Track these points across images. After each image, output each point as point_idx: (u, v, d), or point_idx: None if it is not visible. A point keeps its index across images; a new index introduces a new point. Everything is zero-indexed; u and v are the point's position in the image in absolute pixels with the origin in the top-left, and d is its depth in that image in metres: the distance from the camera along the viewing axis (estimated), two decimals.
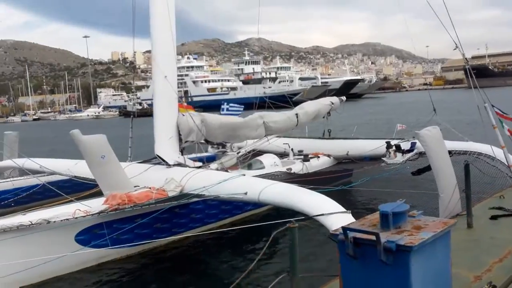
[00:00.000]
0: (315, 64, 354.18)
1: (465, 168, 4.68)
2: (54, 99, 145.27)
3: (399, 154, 12.21)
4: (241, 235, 10.07)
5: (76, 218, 8.28)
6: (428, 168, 11.19)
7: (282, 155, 14.95)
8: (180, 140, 11.38)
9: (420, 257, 2.55)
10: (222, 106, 17.34)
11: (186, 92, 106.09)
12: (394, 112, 46.66)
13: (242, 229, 8.80)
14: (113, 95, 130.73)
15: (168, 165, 10.95)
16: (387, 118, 36.22)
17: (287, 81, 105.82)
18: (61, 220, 8.16)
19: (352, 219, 6.15)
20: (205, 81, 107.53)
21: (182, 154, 11.42)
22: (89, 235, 8.98)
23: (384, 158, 12.49)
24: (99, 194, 9.97)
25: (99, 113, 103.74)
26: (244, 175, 9.77)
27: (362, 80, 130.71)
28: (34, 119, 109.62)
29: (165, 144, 11.04)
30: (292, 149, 14.50)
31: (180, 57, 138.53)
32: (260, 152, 14.08)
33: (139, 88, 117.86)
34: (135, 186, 10.33)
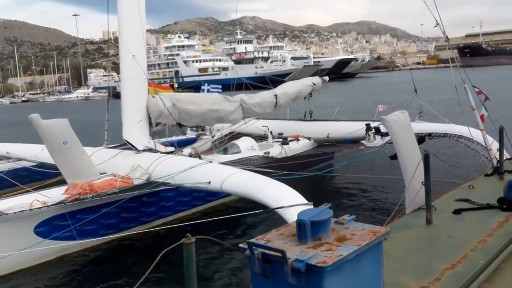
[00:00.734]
0: (309, 43, 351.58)
1: (424, 158, 4.24)
2: (44, 80, 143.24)
3: (378, 137, 11.78)
4: (215, 223, 9.70)
5: (31, 210, 7.83)
6: None
7: (262, 137, 14.51)
8: (150, 124, 10.87)
9: (336, 277, 2.10)
10: (202, 87, 16.82)
11: (176, 72, 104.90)
12: (384, 92, 46.17)
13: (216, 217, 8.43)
14: (104, 75, 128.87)
15: (138, 151, 10.47)
16: (376, 98, 35.76)
17: (280, 60, 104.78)
18: (15, 212, 7.70)
19: None
20: (197, 61, 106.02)
21: (152, 139, 10.93)
22: (50, 226, 8.55)
23: (363, 141, 12.07)
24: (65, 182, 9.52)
25: (88, 94, 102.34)
26: (211, 161, 9.29)
27: (355, 59, 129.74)
28: (23, 101, 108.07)
29: (134, 128, 10.54)
30: (271, 132, 14.04)
31: (172, 36, 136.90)
32: (239, 135, 13.63)
33: None
34: (102, 173, 9.89)
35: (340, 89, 65.91)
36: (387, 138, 11.83)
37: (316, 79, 15.01)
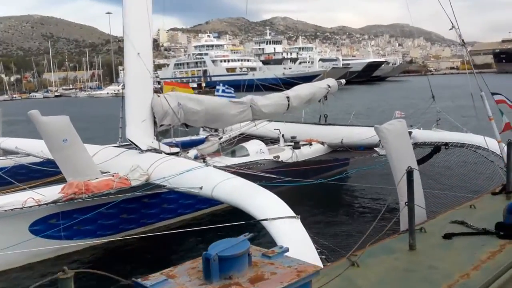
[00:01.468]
0: (340, 45, 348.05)
1: (407, 175, 3.77)
2: (77, 76, 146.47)
3: None
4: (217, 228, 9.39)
5: (22, 208, 7.69)
6: (420, 161, 10.27)
7: (274, 140, 14.14)
8: (155, 123, 10.65)
9: None
10: (217, 87, 16.52)
11: (205, 71, 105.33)
12: (412, 97, 44.92)
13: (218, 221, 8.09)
14: None
15: (141, 151, 10.26)
16: (403, 103, 34.77)
17: (308, 62, 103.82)
18: (6, 210, 7.58)
19: (300, 226, 5.36)
20: (225, 61, 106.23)
21: (157, 139, 10.71)
22: (45, 225, 8.42)
23: (376, 149, 11.53)
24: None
25: (118, 91, 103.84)
26: (209, 165, 8.96)
27: (386, 62, 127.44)
28: (56, 96, 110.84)
29: (138, 127, 10.33)
30: (283, 135, 13.65)
31: (202, 35, 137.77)
32: (250, 137, 13.29)
33: (160, 67, 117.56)
34: (105, 172, 9.73)
35: (367, 93, 64.82)
36: None
37: (332, 82, 14.52)
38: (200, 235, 8.53)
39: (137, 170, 9.06)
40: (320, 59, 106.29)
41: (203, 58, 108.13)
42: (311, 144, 13.51)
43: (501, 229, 4.17)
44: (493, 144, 8.46)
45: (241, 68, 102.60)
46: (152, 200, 9.92)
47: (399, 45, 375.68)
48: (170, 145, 11.01)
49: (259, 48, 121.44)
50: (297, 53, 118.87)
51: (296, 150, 12.84)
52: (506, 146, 6.11)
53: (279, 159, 12.17)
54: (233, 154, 12.00)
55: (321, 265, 4.98)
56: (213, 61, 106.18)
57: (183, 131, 14.04)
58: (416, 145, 11.37)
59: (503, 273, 3.21)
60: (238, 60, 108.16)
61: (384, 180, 12.29)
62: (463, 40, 8.34)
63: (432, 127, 11.63)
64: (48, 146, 9.03)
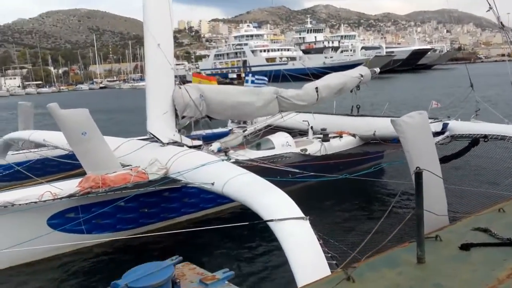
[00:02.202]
0: (385, 32, 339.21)
1: (416, 177, 3.26)
2: (121, 68, 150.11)
3: None
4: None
5: (36, 202, 7.66)
6: (457, 155, 9.55)
7: (303, 133, 13.67)
8: (176, 116, 10.43)
9: None
10: (247, 78, 16.19)
11: (244, 62, 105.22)
12: (458, 85, 42.92)
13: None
14: (176, 64, 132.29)
15: (162, 144, 10.09)
16: (443, 93, 33.14)
17: (350, 50, 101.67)
18: (20, 204, 7.56)
19: (308, 228, 4.95)
20: (264, 51, 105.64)
21: (179, 132, 10.49)
22: (63, 219, 8.39)
23: None
24: None
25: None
26: (228, 159, 8.61)
27: (433, 49, 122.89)
28: (101, 87, 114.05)
29: (159, 120, 10.14)
30: (311, 127, 13.13)
31: (242, 25, 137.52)
32: (277, 129, 12.88)
33: (200, 58, 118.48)
34: (127, 165, 9.63)
35: (410, 82, 62.63)
36: (436, 139, 10.57)
37: (364, 70, 13.83)
38: (219, 230, 8.26)
39: (155, 164, 8.87)
40: (363, 47, 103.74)
41: (242, 48, 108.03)
42: (341, 137, 12.94)
43: None
44: None
45: (280, 58, 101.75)
46: (173, 194, 9.73)
47: (447, 31, 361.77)
48: (192, 138, 10.78)
49: (300, 37, 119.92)
50: (339, 42, 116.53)
51: (325, 143, 12.31)
52: None
53: (307, 152, 11.71)
54: (258, 147, 11.63)
55: (328, 272, 4.56)
56: (253, 51, 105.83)
57: (213, 124, 13.84)
58: (452, 138, 10.65)
59: None
60: (278, 49, 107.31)
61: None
62: (501, 23, 7.57)
63: (471, 118, 10.82)
64: (68, 139, 9.00)
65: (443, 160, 9.88)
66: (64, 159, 11.36)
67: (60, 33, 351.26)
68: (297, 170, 9.49)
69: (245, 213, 8.43)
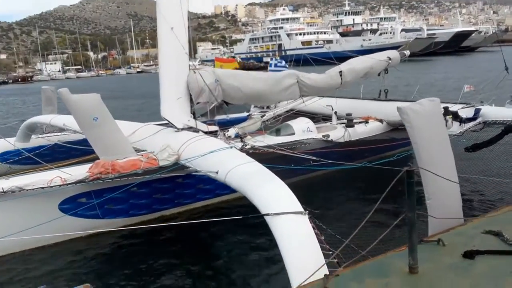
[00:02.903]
0: (428, 14, 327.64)
1: (406, 175, 2.77)
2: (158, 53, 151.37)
3: (456, 123, 9.84)
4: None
5: (43, 188, 7.59)
6: (488, 142, 8.86)
7: (327, 118, 13.14)
8: (191, 101, 10.16)
9: None
10: (270, 62, 15.76)
11: (280, 45, 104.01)
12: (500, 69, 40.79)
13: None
14: (212, 49, 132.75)
15: (177, 129, 9.86)
16: (483, 76, 31.41)
17: (389, 33, 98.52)
18: (28, 189, 7.51)
19: (306, 224, 4.55)
20: (300, 34, 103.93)
21: (194, 117, 10.22)
22: (75, 204, 8.33)
23: None
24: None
25: (195, 66, 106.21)
26: (232, 147, 8.22)
27: (477, 31, 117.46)
28: (138, 72, 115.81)
29: (174, 105, 9.90)
30: (335, 112, 12.58)
31: (278, 9, 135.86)
32: (299, 114, 12.41)
33: (236, 42, 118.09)
34: (142, 150, 9.48)
35: (451, 65, 60.10)
36: (467, 125, 9.87)
37: (393, 53, 13.09)
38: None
39: (166, 150, 8.65)
40: (403, 30, 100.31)
41: (277, 32, 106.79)
42: (367, 122, 12.33)
43: None
44: None
45: (317, 41, 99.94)
46: (187, 180, 9.51)
47: (494, 12, 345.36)
48: (208, 123, 10.49)
49: (337, 20, 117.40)
50: (378, 24, 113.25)
51: (349, 129, 11.75)
52: None
53: (329, 138, 11.21)
54: (277, 132, 11.23)
55: (326, 272, 4.16)
56: (288, 35, 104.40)
57: (236, 108, 13.48)
58: (485, 124, 9.90)
59: None
60: (314, 33, 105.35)
61: None
62: None
63: (506, 103, 10.01)
64: (79, 124, 8.90)
65: (473, 148, 9.22)
66: (81, 144, 11.33)
67: (100, 19, 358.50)
68: (314, 158, 9.05)
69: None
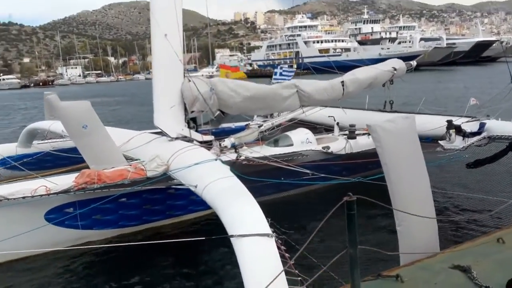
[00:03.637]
0: (449, 23, 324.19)
1: (346, 206, 2.45)
2: None
3: (459, 138, 9.42)
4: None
5: (24, 198, 7.42)
6: (492, 158, 8.47)
7: (330, 129, 12.79)
8: (186, 110, 9.96)
9: None
10: (275, 70, 15.50)
11: (297, 53, 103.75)
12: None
13: None
14: (230, 55, 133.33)
15: (170, 138, 9.66)
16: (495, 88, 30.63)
17: (408, 41, 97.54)
18: (15, 199, 7.37)
19: (272, 247, 4.25)
20: (317, 42, 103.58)
21: (189, 126, 10.02)
22: (61, 214, 8.16)
23: (441, 142, 9.77)
24: None
25: (212, 73, 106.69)
26: (217, 159, 7.96)
27: (499, 41, 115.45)
28: None
29: (167, 114, 9.71)
30: (337, 123, 12.22)
31: (297, 16, 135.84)
32: (300, 124, 12.09)
33: (253, 49, 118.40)
34: (135, 159, 9.30)
35: (467, 75, 58.96)
36: (471, 140, 9.44)
37: (398, 64, 12.70)
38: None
39: (155, 160, 8.41)
40: (422, 39, 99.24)
41: (295, 39, 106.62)
42: (370, 134, 11.94)
43: None
44: None
45: (334, 49, 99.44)
46: (179, 191, 9.27)
47: None
48: (203, 132, 10.27)
49: (356, 28, 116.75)
50: (397, 33, 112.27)
51: (351, 140, 11.37)
52: None
53: (329, 150, 10.86)
54: (275, 143, 10.93)
55: None
56: (305, 42, 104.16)
57: (238, 117, 13.23)
58: (490, 139, 9.45)
59: None
60: (332, 40, 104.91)
61: (444, 183, 10.43)
62: None
63: None
64: (68, 132, 8.77)
65: (475, 164, 8.81)
66: (75, 151, 11.23)
67: (122, 24, 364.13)
68: (307, 171, 8.76)
69: None
